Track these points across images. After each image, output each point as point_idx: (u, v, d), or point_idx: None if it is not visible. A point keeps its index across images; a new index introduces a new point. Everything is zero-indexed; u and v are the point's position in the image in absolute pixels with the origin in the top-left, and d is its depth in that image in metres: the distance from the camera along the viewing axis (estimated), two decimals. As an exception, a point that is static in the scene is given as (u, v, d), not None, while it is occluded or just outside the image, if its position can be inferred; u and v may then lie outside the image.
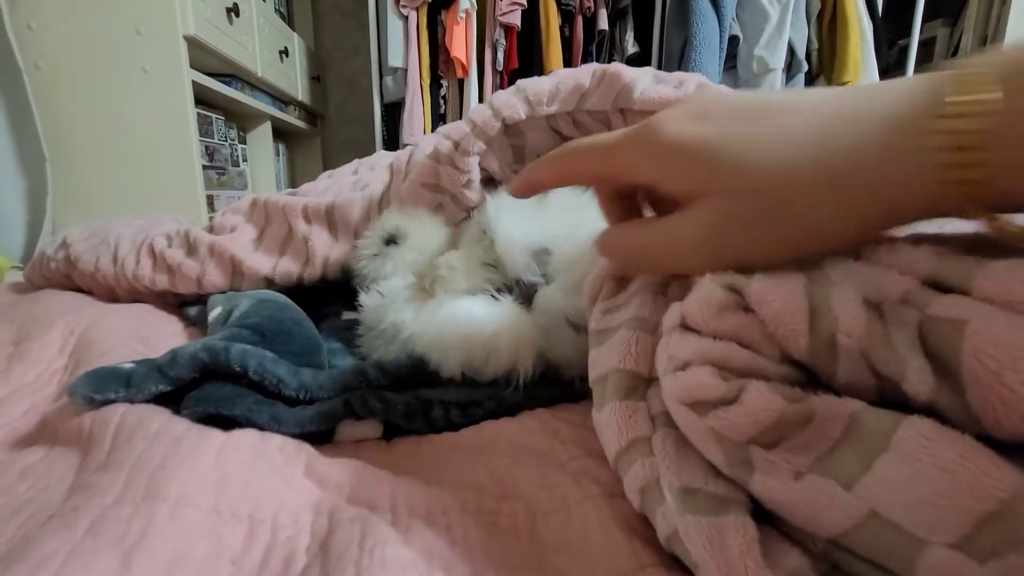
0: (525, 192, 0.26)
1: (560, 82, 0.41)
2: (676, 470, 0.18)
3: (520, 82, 0.44)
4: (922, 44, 1.85)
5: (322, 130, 2.49)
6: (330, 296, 0.52)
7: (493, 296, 0.35)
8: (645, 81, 0.38)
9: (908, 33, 1.78)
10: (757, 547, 0.15)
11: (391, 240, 0.41)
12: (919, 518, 0.13)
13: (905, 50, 1.81)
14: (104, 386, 0.30)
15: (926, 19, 1.81)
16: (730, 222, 0.18)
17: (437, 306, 0.34)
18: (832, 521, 0.15)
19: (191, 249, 0.52)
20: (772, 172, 0.17)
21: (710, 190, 0.18)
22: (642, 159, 0.20)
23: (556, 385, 0.34)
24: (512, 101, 0.42)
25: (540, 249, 0.35)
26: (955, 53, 1.92)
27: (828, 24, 1.66)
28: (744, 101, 0.19)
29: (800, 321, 0.16)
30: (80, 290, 0.61)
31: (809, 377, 0.17)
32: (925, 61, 1.96)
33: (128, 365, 0.32)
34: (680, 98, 0.36)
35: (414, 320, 0.35)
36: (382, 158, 0.61)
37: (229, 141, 1.60)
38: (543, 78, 0.43)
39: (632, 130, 0.20)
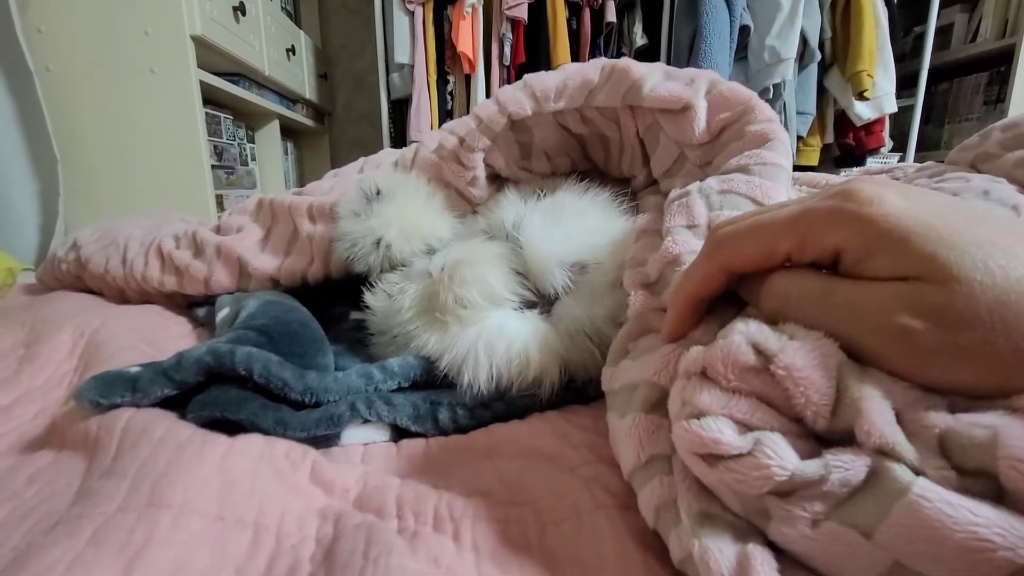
0: (691, 314, 0.23)
1: (568, 78, 0.41)
2: (696, 493, 0.18)
3: (526, 77, 0.43)
4: (939, 31, 1.81)
5: (330, 128, 2.49)
6: (336, 296, 0.51)
7: (518, 308, 0.34)
8: (655, 78, 0.37)
9: (924, 20, 1.73)
10: (775, 575, 0.15)
11: (373, 198, 0.40)
12: (946, 569, 0.13)
13: (921, 37, 1.76)
14: (110, 390, 0.30)
15: (943, 5, 1.76)
16: (936, 317, 0.15)
17: (463, 326, 0.33)
18: (855, 572, 0.14)
19: (198, 250, 0.52)
20: (1005, 280, 0.14)
21: (924, 276, 0.15)
22: (844, 231, 0.17)
23: (567, 388, 0.33)
24: (518, 97, 0.41)
25: (576, 263, 0.34)
26: (973, 40, 1.87)
27: (841, 12, 1.62)
28: (950, 199, 0.17)
29: (824, 404, 0.16)
30: (91, 291, 0.61)
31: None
32: (942, 48, 1.92)
33: (134, 369, 0.31)
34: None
35: (439, 341, 0.33)
36: (387, 156, 0.60)
37: (237, 140, 1.61)
38: (550, 73, 0.42)
39: (827, 196, 0.18)
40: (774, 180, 0.29)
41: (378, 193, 0.40)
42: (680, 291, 0.23)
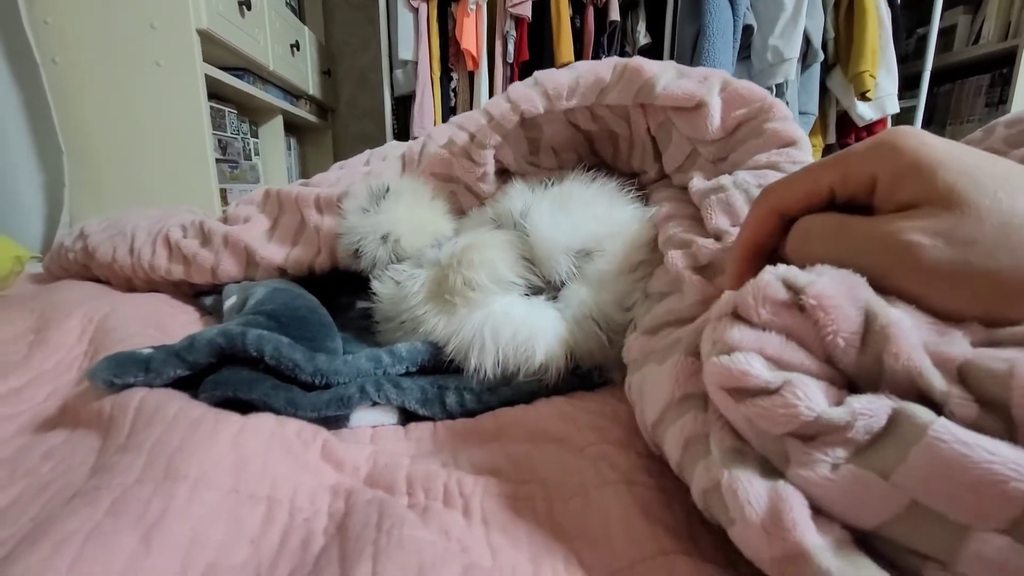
0: (750, 261, 0.23)
1: (580, 76, 0.41)
2: (730, 430, 0.18)
3: (537, 74, 0.43)
4: (942, 32, 1.81)
5: (333, 124, 2.49)
6: (343, 286, 0.52)
7: (525, 294, 0.35)
8: (668, 76, 0.38)
9: (927, 21, 1.73)
10: (807, 510, 0.15)
11: (382, 196, 0.41)
12: (963, 506, 0.13)
13: (924, 38, 1.77)
14: (124, 370, 0.30)
15: (946, 6, 1.76)
16: (944, 235, 0.16)
17: (471, 310, 0.34)
18: (872, 512, 0.15)
19: (205, 239, 0.53)
20: (1011, 208, 0.16)
21: (937, 202, 0.17)
22: (883, 161, 0.19)
23: (573, 374, 0.34)
24: (530, 95, 0.41)
25: (581, 250, 0.35)
26: (976, 42, 1.87)
27: (845, 12, 1.62)
28: (973, 148, 0.19)
29: (853, 332, 0.16)
30: (98, 280, 0.62)
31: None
32: (945, 50, 1.92)
33: (147, 350, 0.32)
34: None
35: (447, 324, 0.34)
36: (394, 148, 0.61)
37: (241, 135, 1.61)
38: (561, 71, 0.42)
39: (870, 140, 0.20)
40: None
41: (387, 191, 0.41)
42: (737, 240, 0.24)
